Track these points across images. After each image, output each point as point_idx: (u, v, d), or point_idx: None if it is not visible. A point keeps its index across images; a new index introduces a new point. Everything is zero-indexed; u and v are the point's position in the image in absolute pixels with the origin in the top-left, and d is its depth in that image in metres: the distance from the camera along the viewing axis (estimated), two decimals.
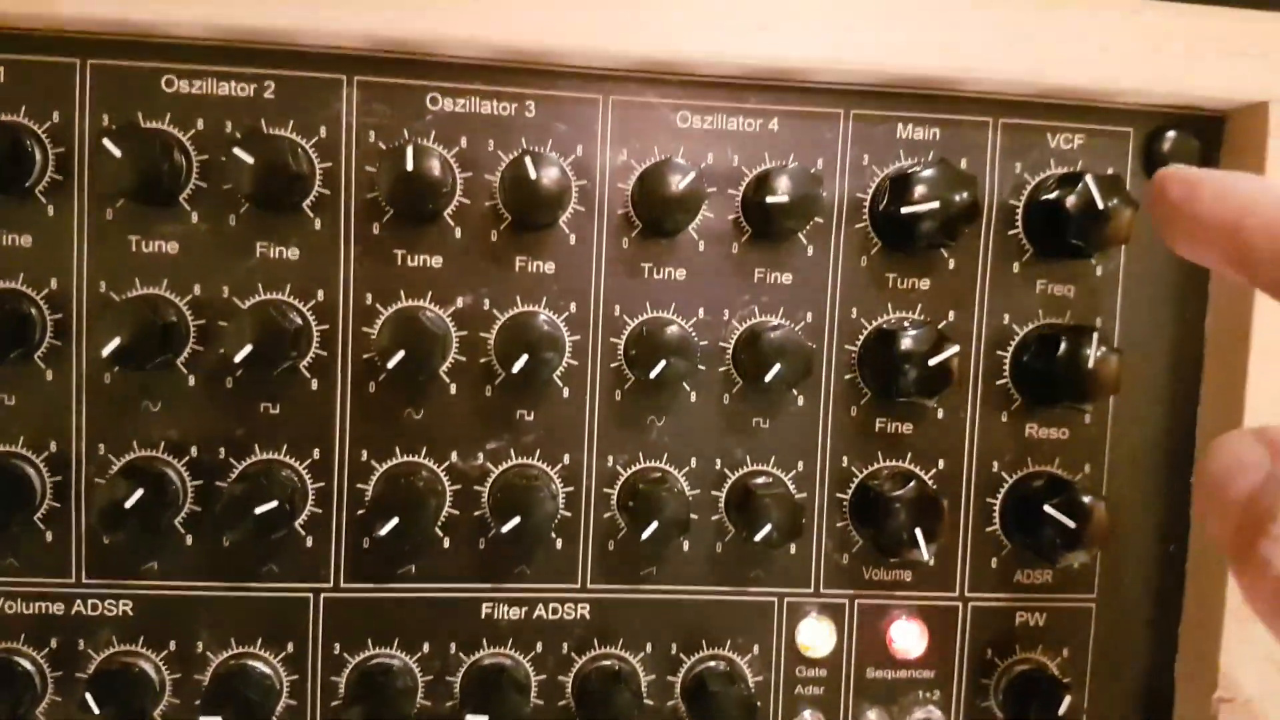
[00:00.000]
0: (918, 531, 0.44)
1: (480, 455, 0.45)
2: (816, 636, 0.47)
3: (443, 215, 0.44)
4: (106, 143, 0.40)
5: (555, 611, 0.47)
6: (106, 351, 0.41)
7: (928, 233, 0.44)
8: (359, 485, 0.45)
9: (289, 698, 0.45)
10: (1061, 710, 0.46)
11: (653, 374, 0.43)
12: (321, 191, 0.43)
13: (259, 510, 0.42)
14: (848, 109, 0.45)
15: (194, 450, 0.44)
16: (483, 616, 0.46)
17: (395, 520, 0.42)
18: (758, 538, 0.44)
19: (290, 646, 0.45)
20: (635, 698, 0.45)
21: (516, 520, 0.43)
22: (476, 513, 0.45)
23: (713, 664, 0.46)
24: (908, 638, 0.48)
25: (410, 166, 0.41)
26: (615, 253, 0.45)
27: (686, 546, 0.47)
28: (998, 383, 0.47)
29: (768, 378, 0.43)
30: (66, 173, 0.42)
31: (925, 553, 0.44)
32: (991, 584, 0.48)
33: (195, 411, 0.44)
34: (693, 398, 0.46)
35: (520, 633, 0.46)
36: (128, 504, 0.41)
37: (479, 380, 0.45)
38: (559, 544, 0.46)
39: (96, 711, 0.42)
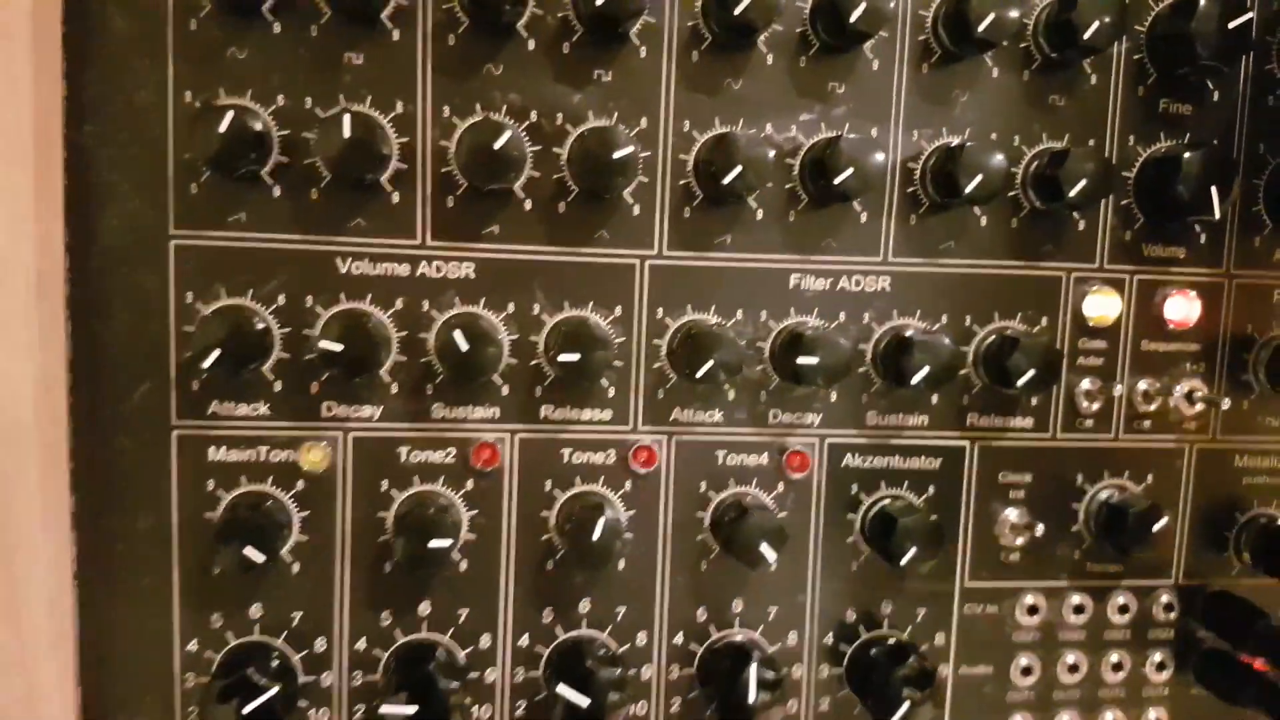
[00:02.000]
0: (1212, 189, 0.46)
1: (793, 128, 0.47)
2: (1102, 308, 0.50)
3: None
4: None
5: (858, 283, 0.49)
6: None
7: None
8: (681, 156, 0.46)
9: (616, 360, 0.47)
10: None
11: (968, 47, 0.45)
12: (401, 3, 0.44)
13: (616, 155, 0.43)
14: None
15: (533, 115, 0.45)
16: (791, 286, 0.48)
17: (738, 168, 0.44)
18: (1070, 195, 0.46)
19: (618, 310, 0.47)
20: (934, 363, 0.47)
21: (847, 173, 0.44)
22: (788, 185, 0.47)
23: (1008, 332, 0.49)
24: (1180, 310, 0.50)
25: None
26: None
27: (984, 221, 0.49)
28: (1267, 67, 0.49)
29: (1087, 36, 0.45)
30: None
31: (1217, 208, 0.46)
32: (1255, 261, 0.51)
33: (533, 73, 0.45)
34: (994, 73, 0.48)
35: (825, 303, 0.49)
36: (497, 145, 0.42)
37: (794, 49, 0.46)
38: (864, 218, 0.48)
39: (462, 349, 0.43)
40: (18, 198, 0.39)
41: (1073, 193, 0.46)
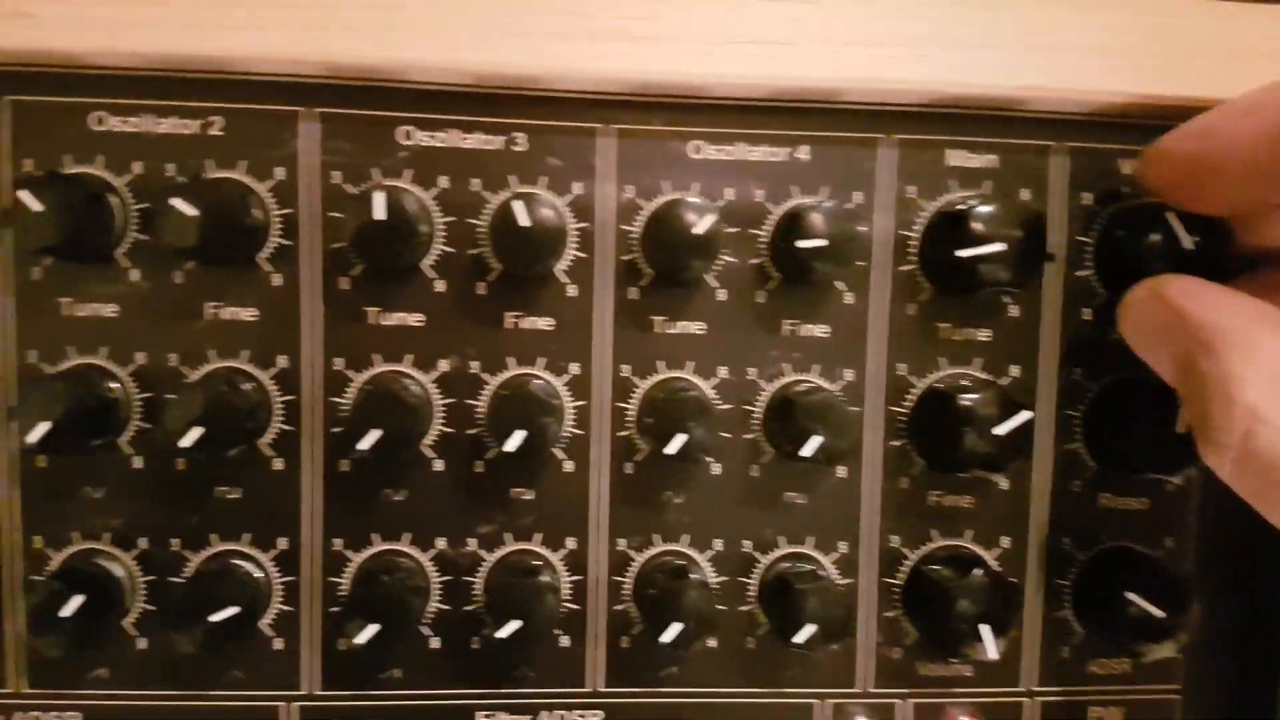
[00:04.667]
0: (983, 626, 0.37)
1: (471, 541, 0.39)
2: None
3: (421, 266, 0.37)
4: (23, 194, 0.34)
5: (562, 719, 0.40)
6: (34, 438, 0.34)
7: (988, 278, 0.37)
8: (333, 579, 0.39)
9: None
10: None
11: (669, 448, 0.37)
12: (280, 242, 0.37)
13: (213, 618, 0.36)
14: (888, 133, 0.39)
15: (143, 542, 0.38)
16: None
17: (375, 627, 0.36)
18: (798, 639, 0.37)
19: None
20: None
21: (516, 625, 0.36)
22: (468, 607, 0.39)
23: None
24: None
25: (381, 214, 0.34)
26: (622, 305, 0.39)
27: (713, 642, 0.40)
28: (1068, 447, 0.40)
29: (806, 450, 0.37)
30: None
31: (992, 650, 0.38)
32: (1062, 677, 0.42)
33: (142, 498, 0.38)
34: (715, 470, 0.40)
35: None
36: (64, 612, 0.35)
37: (468, 455, 0.39)
38: (565, 641, 0.40)
39: None
40: None
41: (800, 637, 0.37)
